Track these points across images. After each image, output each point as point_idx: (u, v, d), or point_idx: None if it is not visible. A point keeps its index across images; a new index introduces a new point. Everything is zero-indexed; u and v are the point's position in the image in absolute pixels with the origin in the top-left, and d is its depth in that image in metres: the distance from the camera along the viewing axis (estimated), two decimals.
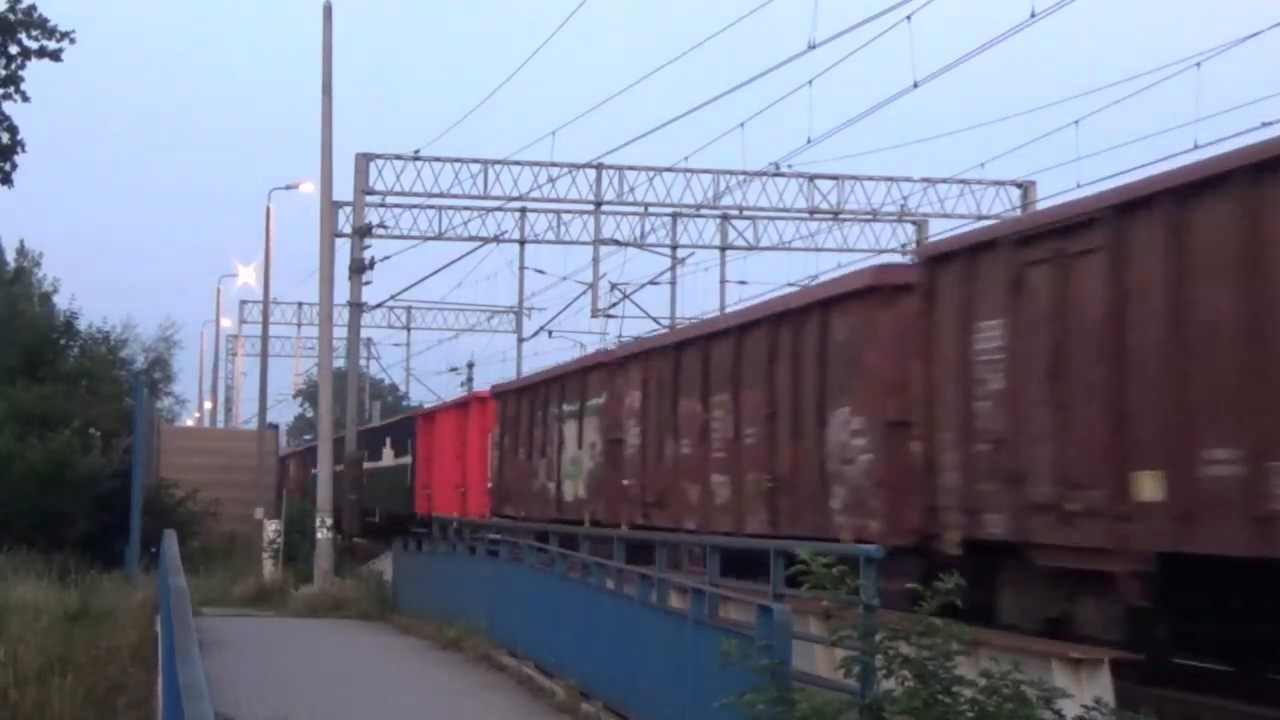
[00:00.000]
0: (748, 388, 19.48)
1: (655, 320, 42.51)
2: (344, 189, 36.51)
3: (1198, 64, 24.14)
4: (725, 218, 41.70)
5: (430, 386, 69.14)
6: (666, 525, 21.28)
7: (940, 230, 38.49)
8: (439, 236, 40.45)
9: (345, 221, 37.57)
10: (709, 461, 20.50)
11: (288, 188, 50.59)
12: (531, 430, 29.92)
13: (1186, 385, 11.94)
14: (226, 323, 76.74)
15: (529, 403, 30.37)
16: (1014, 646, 11.82)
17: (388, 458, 46.67)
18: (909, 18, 22.28)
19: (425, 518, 38.55)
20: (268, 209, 49.91)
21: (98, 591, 26.66)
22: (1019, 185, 38.62)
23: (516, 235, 43.13)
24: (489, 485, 33.53)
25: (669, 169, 38.03)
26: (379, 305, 46.36)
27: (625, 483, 23.78)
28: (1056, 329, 13.53)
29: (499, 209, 40.68)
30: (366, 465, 46.78)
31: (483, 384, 54.46)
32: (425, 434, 41.45)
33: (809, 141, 30.74)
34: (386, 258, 39.27)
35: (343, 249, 37.28)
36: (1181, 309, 12.08)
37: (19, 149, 31.44)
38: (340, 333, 41.83)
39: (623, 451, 24.22)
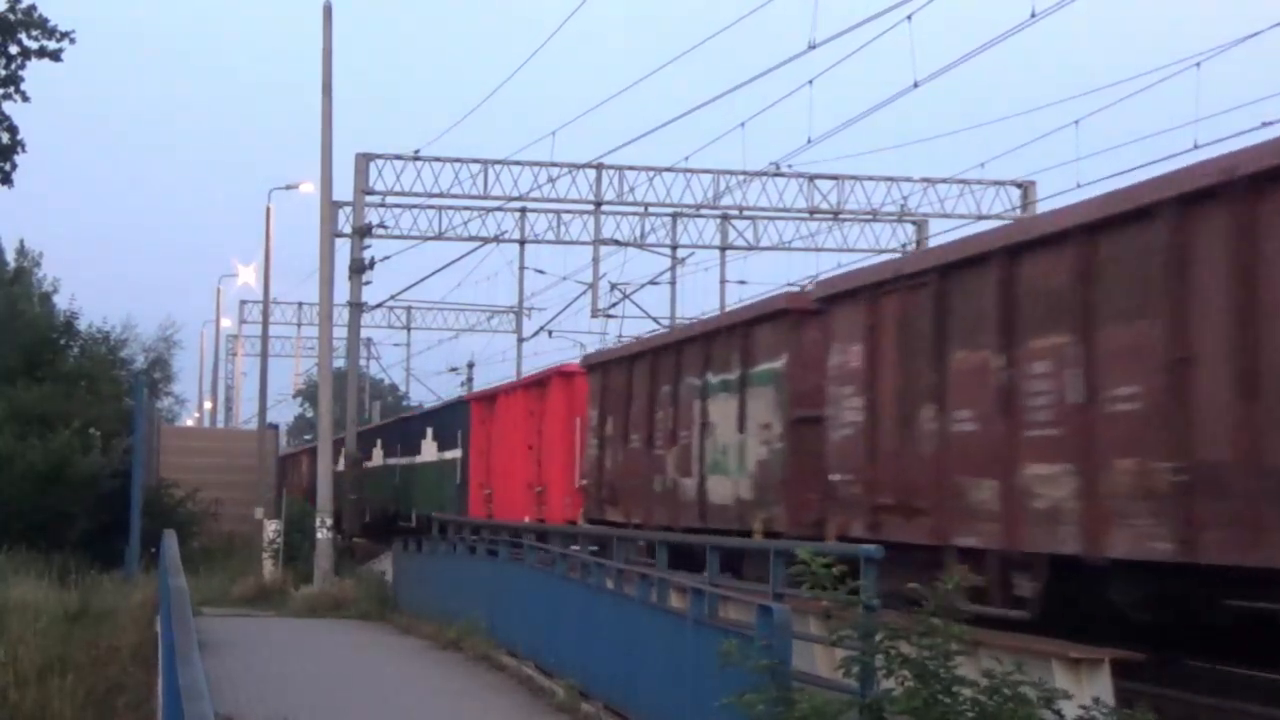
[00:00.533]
0: (1115, 322, 12.53)
1: (655, 320, 42.51)
2: (344, 189, 36.57)
3: (1198, 64, 24.11)
4: (725, 218, 41.72)
5: (430, 386, 69.15)
6: (919, 540, 14.91)
7: (940, 231, 38.61)
8: (439, 236, 40.49)
9: (345, 221, 37.60)
10: (1018, 442, 13.62)
11: (288, 188, 50.66)
12: (651, 410, 22.83)
13: None
14: (226, 323, 76.86)
15: (647, 374, 23.19)
16: (1014, 646, 11.81)
17: (429, 452, 39.87)
18: (909, 18, 22.26)
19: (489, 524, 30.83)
20: (268, 209, 49.95)
21: (98, 591, 26.68)
22: (1019, 185, 38.66)
23: (516, 235, 43.17)
24: (582, 483, 26.32)
25: (669, 169, 38.06)
26: (379, 305, 46.40)
27: (834, 478, 16.92)
28: None
29: (499, 209, 40.75)
30: (402, 461, 42.81)
31: (483, 383, 54.27)
32: (482, 421, 34.16)
33: (809, 141, 30.73)
34: (386, 258, 39.35)
35: (343, 249, 37.32)
36: None
37: (19, 149, 31.53)
38: (340, 333, 41.85)
39: (824, 433, 17.23)
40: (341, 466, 45.31)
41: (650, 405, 22.93)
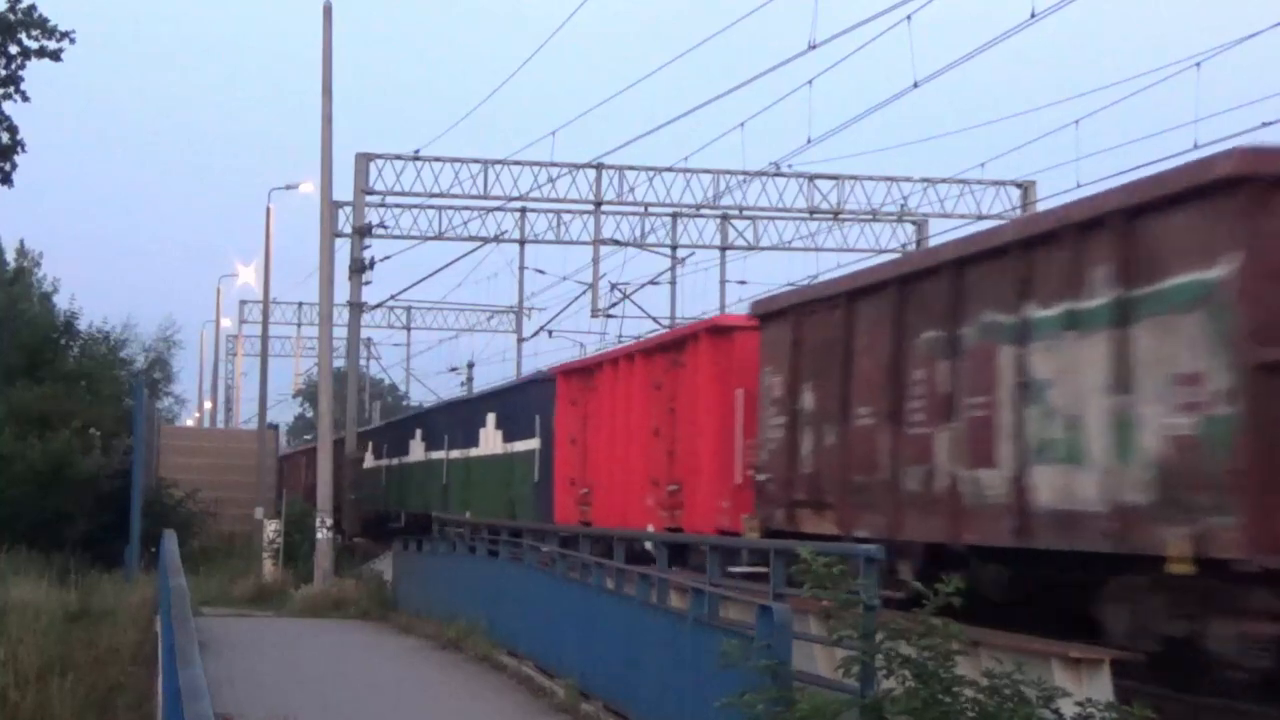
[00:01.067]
0: None
1: (655, 320, 42.53)
2: (344, 189, 36.58)
3: (1198, 64, 24.04)
4: (725, 218, 41.75)
5: (430, 386, 69.12)
6: None
7: (940, 230, 38.64)
8: (439, 236, 40.51)
9: (345, 221, 37.63)
10: None
11: (288, 188, 50.84)
12: (898, 369, 15.55)
13: None
14: (226, 323, 76.92)
15: (888, 316, 15.91)
16: (1014, 646, 11.81)
17: (491, 443, 33.09)
18: (909, 18, 22.17)
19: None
20: (268, 209, 50.03)
21: (98, 591, 26.67)
22: (1019, 185, 38.68)
23: (516, 235, 43.20)
24: (758, 478, 18.99)
25: (669, 169, 38.08)
26: (379, 305, 46.46)
27: None
28: None
29: (499, 209, 40.78)
30: (451, 455, 36.54)
31: (484, 383, 54.01)
32: (573, 402, 26.99)
33: (809, 141, 30.64)
34: (386, 258, 39.39)
35: (343, 249, 37.36)
36: None
37: (19, 149, 31.54)
38: (340, 333, 41.84)
39: None
40: (364, 465, 44.64)
41: (895, 362, 15.64)
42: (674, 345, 22.78)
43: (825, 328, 17.27)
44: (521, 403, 31.12)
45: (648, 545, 18.24)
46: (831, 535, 16.16)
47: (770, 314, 19.11)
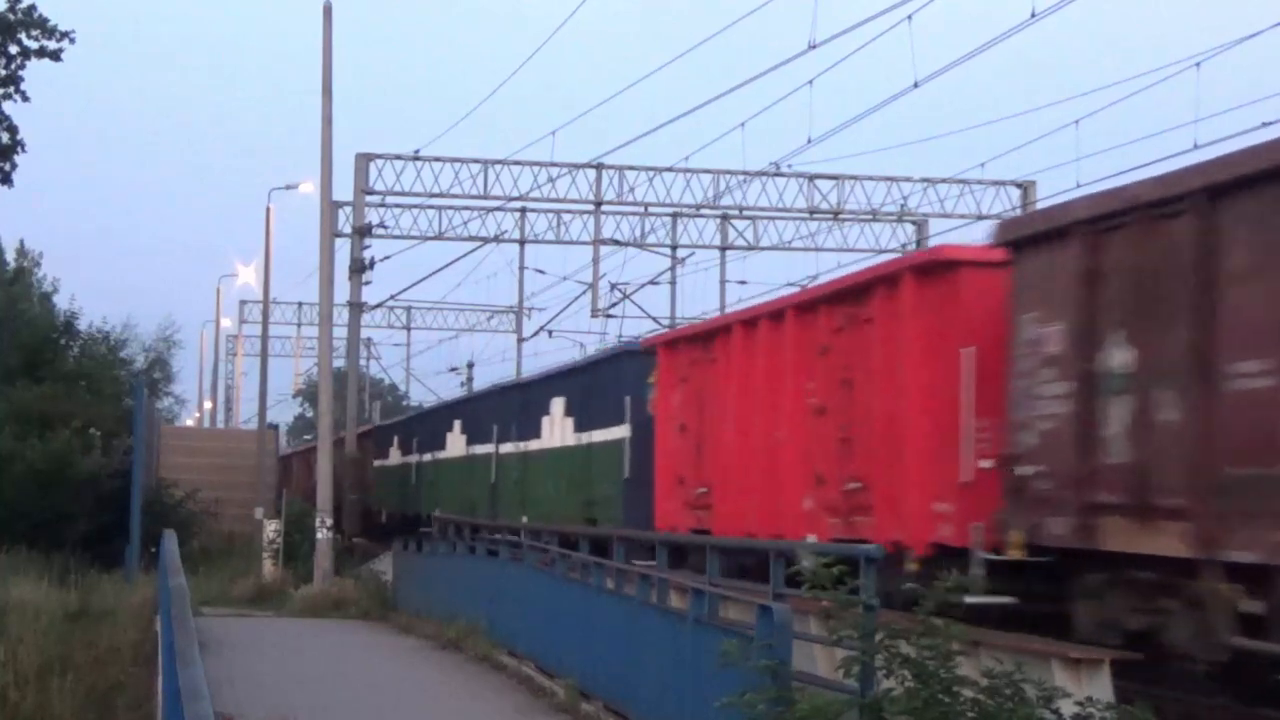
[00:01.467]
0: None
1: (655, 320, 42.53)
2: (344, 189, 36.62)
3: (1197, 64, 24.02)
4: (725, 218, 41.77)
5: (430, 386, 69.09)
6: None
7: (940, 230, 38.68)
8: (439, 236, 40.56)
9: (345, 221, 37.67)
10: None
11: (288, 188, 50.84)
12: None
13: None
14: (226, 323, 76.91)
15: (1273, 224, 10.98)
16: (1014, 646, 11.81)
17: (557, 433, 27.97)
18: (909, 18, 22.19)
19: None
20: (268, 209, 49.99)
21: (98, 591, 26.68)
22: (1019, 185, 38.68)
23: (516, 235, 43.22)
24: (1016, 472, 13.73)
25: (669, 169, 38.11)
26: (379, 305, 46.53)
27: None
28: None
29: (499, 209, 40.82)
30: (504, 449, 31.43)
31: (484, 382, 53.84)
32: (682, 378, 21.74)
33: (809, 141, 30.65)
34: (386, 258, 39.45)
35: (343, 249, 37.40)
36: None
37: (19, 149, 31.52)
38: (340, 333, 41.87)
39: None
40: (388, 462, 44.18)
41: None
42: (852, 294, 17.07)
43: (1154, 248, 12.04)
44: (603, 382, 25.61)
45: (804, 562, 14.19)
46: (1178, 558, 11.44)
47: (1037, 237, 13.68)
